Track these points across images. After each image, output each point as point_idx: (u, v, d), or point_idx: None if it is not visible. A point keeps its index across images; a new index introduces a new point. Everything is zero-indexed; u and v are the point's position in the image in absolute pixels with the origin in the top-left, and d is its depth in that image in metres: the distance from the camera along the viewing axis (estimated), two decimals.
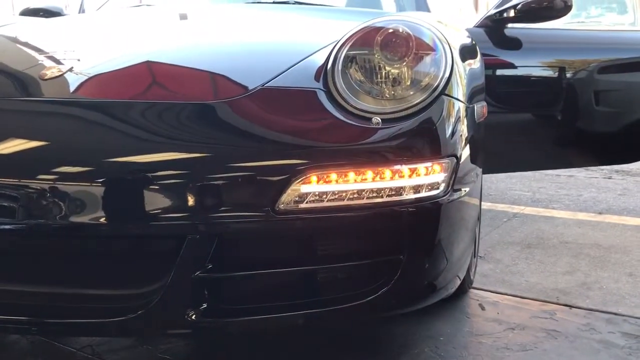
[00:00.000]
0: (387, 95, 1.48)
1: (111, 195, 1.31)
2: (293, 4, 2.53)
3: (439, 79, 1.49)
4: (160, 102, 1.44)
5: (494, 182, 4.15)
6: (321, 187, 1.33)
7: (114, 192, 1.31)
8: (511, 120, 2.77)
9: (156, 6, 2.65)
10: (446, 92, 1.50)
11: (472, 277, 2.20)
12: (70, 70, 1.57)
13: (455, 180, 1.48)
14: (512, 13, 2.51)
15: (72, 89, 1.53)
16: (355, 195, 1.35)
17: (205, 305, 1.34)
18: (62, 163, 1.34)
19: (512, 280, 2.36)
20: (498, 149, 2.49)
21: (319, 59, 1.56)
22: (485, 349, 1.82)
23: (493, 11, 2.58)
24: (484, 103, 1.89)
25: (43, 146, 1.40)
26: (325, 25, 2.15)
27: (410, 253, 1.42)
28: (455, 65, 1.54)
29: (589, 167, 4.51)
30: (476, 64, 1.92)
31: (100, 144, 1.36)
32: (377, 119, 1.42)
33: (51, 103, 1.50)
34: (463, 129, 1.57)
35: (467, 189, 1.58)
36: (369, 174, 1.36)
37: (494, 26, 2.60)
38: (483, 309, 2.10)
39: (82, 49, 1.80)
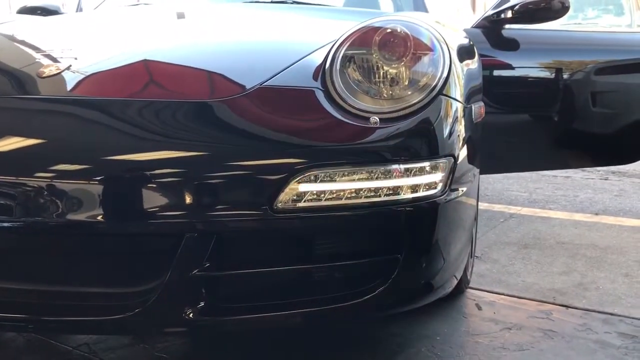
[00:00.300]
0: (384, 94, 1.48)
1: (109, 194, 1.31)
2: (291, 3, 2.53)
3: (437, 79, 1.49)
4: (158, 100, 1.44)
5: (490, 182, 4.16)
6: (319, 186, 1.33)
7: (112, 191, 1.31)
8: (508, 121, 2.77)
9: (154, 5, 2.65)
10: (444, 92, 1.50)
11: (469, 277, 2.20)
12: (68, 68, 1.57)
13: (452, 180, 1.48)
14: (509, 14, 2.51)
15: (69, 87, 1.53)
16: (353, 195, 1.35)
17: (202, 304, 1.34)
18: (59, 161, 1.34)
19: (509, 280, 2.36)
20: (495, 149, 2.50)
21: (316, 59, 1.56)
22: (482, 349, 1.82)
23: (490, 12, 2.58)
24: (482, 103, 1.90)
25: (41, 144, 1.40)
26: (322, 25, 2.15)
27: (408, 252, 1.42)
28: (453, 66, 1.55)
29: (585, 168, 4.52)
30: (474, 64, 1.93)
31: (98, 142, 1.36)
32: (375, 119, 1.42)
33: (49, 101, 1.49)
34: (461, 129, 1.57)
35: (465, 189, 1.58)
36: (367, 173, 1.36)
37: (491, 27, 2.60)
38: (480, 308, 2.11)
39: (79, 48, 1.80)
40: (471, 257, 2.18)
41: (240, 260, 1.35)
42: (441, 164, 1.45)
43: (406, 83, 1.49)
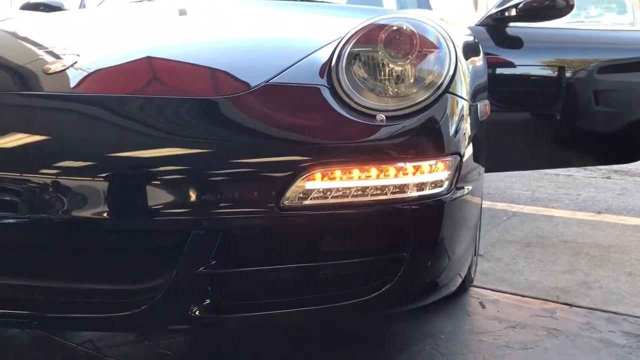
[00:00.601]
0: (390, 92, 1.48)
1: (115, 191, 1.31)
2: (295, 0, 2.53)
3: (443, 76, 1.49)
4: (165, 97, 1.44)
5: (493, 180, 4.16)
6: (325, 184, 1.33)
7: (118, 188, 1.31)
8: (511, 119, 2.77)
9: (158, 1, 2.64)
10: (450, 90, 1.50)
11: (472, 275, 2.20)
12: (73, 65, 1.56)
13: (458, 178, 1.48)
14: (513, 12, 2.51)
15: (75, 84, 1.52)
16: (359, 192, 1.35)
17: (208, 301, 1.34)
18: (65, 158, 1.34)
19: (512, 278, 2.36)
20: (498, 147, 2.49)
21: (322, 56, 1.56)
22: (486, 347, 1.82)
23: (494, 10, 2.58)
24: (487, 101, 1.90)
25: (47, 141, 1.39)
26: (327, 22, 2.14)
27: (414, 250, 1.42)
28: (459, 63, 1.54)
29: (587, 167, 4.52)
30: (479, 62, 1.92)
31: (104, 139, 1.36)
32: (381, 117, 1.42)
33: (55, 98, 1.49)
34: (466, 127, 1.57)
35: (470, 187, 1.58)
36: (373, 171, 1.36)
37: (495, 25, 2.60)
38: (483, 307, 2.11)
39: (84, 44, 1.79)
40: (475, 255, 2.18)
41: (246, 258, 1.35)
42: (447, 162, 1.45)
43: (412, 81, 1.49)
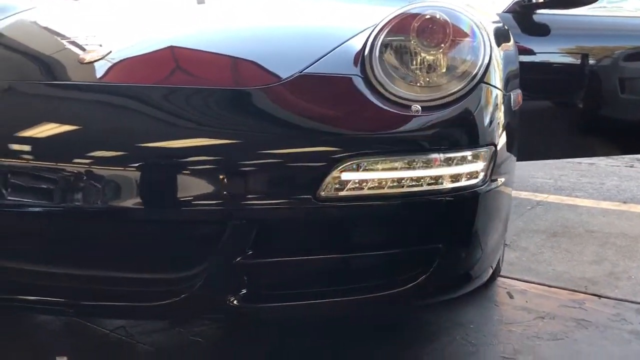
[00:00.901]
0: (424, 82, 1.47)
1: (154, 181, 1.32)
2: None
3: (478, 66, 1.47)
4: (202, 88, 1.45)
5: (516, 169, 4.12)
6: (361, 175, 1.33)
7: (157, 178, 1.32)
8: (537, 108, 2.74)
9: None
10: (485, 80, 1.49)
11: (500, 265, 2.19)
12: (106, 55, 1.56)
13: (493, 169, 1.47)
14: None
15: (108, 73, 1.53)
16: (395, 184, 1.35)
17: (244, 291, 1.35)
18: (104, 148, 1.34)
19: (539, 268, 2.35)
20: (523, 136, 2.47)
21: (354, 46, 1.55)
22: (516, 338, 1.82)
23: None
24: (519, 90, 1.88)
25: (83, 130, 1.41)
26: (357, 10, 2.12)
27: (448, 242, 1.42)
28: (493, 53, 1.53)
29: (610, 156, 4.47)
30: (511, 50, 1.91)
31: (143, 130, 1.37)
32: (416, 107, 1.41)
33: (89, 88, 1.50)
34: (500, 117, 1.56)
35: (503, 179, 1.57)
36: (409, 162, 1.35)
37: (522, 12, 2.57)
38: (511, 297, 2.10)
39: (113, 33, 1.79)
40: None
41: (282, 248, 1.36)
42: (483, 153, 1.44)
43: (446, 70, 1.48)
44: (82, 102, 1.49)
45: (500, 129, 1.54)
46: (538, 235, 2.74)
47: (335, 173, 1.31)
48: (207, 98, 1.42)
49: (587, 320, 1.92)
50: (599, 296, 2.10)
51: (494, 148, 1.48)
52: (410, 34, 1.49)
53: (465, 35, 1.52)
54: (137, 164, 1.32)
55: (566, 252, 2.53)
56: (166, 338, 1.83)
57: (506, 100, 1.63)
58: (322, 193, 1.31)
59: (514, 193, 3.46)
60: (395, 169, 1.35)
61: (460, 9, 1.56)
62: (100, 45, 1.63)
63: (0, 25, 1.92)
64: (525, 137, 2.58)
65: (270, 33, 1.78)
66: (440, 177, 1.38)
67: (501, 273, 2.25)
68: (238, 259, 1.32)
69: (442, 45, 1.49)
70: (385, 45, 1.49)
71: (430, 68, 1.48)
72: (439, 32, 1.49)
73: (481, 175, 1.44)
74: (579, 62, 2.74)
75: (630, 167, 4.36)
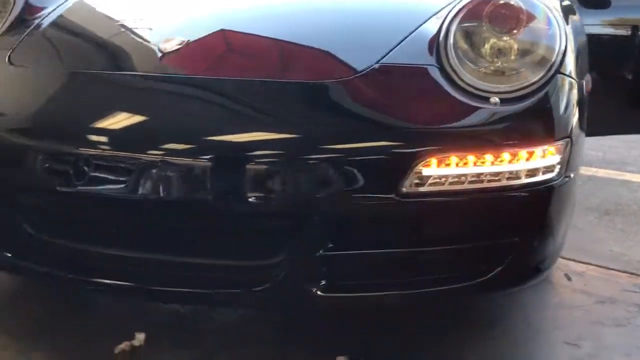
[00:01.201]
0: (502, 73, 1.46)
1: (237, 173, 1.34)
2: None
3: (554, 55, 1.45)
4: (280, 81, 1.46)
5: None
6: (442, 171, 1.34)
7: (240, 171, 1.34)
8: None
9: None
10: (561, 70, 1.47)
11: None
12: (182, 44, 1.56)
13: (569, 162, 1.47)
14: None
15: (186, 64, 1.55)
16: (474, 179, 1.36)
17: (324, 282, 1.38)
18: (187, 140, 1.37)
19: (595, 249, 2.35)
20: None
21: (428, 32, 1.53)
22: (578, 322, 1.83)
23: None
24: (589, 77, 1.85)
25: (164, 122, 1.43)
26: None
27: (524, 235, 1.43)
28: (568, 42, 1.50)
29: None
30: (581, 36, 1.87)
31: (223, 122, 1.40)
32: (495, 99, 1.40)
33: (171, 80, 1.53)
34: (575, 107, 1.55)
35: (576, 171, 1.57)
36: (488, 156, 1.36)
37: None
38: (569, 279, 2.11)
39: (183, 19, 1.79)
40: None
41: (362, 241, 1.38)
42: (559, 147, 1.43)
43: (521, 58, 1.46)
44: (162, 94, 1.51)
45: (576, 121, 1.53)
46: (591, 214, 2.72)
47: (417, 168, 1.32)
48: (286, 91, 1.43)
49: None
50: None
51: (570, 140, 1.47)
52: (484, 20, 1.47)
53: (541, 22, 1.49)
54: (216, 156, 1.34)
55: (622, 232, 2.52)
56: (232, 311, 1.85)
57: (580, 90, 1.61)
58: (404, 189, 1.32)
59: None
60: (475, 164, 1.35)
61: None
62: (173, 36, 1.62)
63: (62, 9, 1.91)
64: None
65: (342, 21, 1.73)
66: (519, 171, 1.38)
67: None
68: (320, 250, 1.35)
69: (517, 32, 1.47)
70: (460, 33, 1.47)
71: (505, 56, 1.47)
72: (513, 18, 1.48)
73: (557, 168, 1.44)
74: (629, 34, 2.67)
75: None
